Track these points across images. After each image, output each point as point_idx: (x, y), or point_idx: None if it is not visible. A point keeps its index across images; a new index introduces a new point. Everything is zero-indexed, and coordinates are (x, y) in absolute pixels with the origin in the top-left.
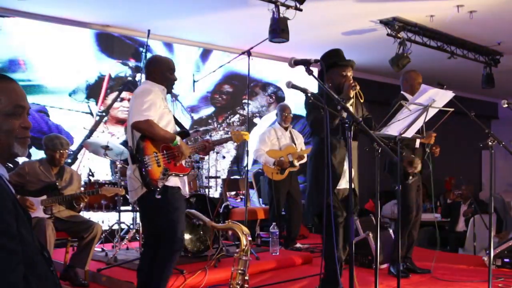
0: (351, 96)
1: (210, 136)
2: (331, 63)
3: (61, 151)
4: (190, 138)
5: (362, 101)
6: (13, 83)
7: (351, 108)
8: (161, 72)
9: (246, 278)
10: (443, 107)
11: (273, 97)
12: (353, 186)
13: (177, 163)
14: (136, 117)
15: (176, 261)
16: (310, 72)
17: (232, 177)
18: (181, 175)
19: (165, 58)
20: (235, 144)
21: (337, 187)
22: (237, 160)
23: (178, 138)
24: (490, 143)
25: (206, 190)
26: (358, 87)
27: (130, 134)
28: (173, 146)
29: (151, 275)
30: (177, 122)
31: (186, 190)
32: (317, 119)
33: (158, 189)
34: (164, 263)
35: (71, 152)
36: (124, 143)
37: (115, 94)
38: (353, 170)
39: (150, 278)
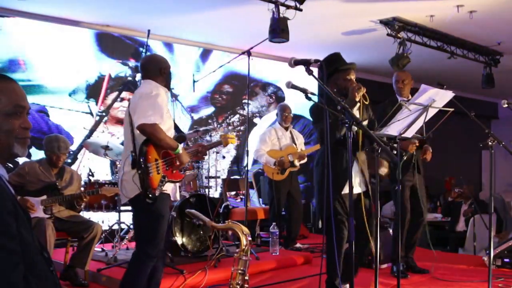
0: (357, 99)
1: (210, 136)
2: (334, 69)
3: (59, 155)
4: (190, 138)
5: (367, 103)
6: (13, 83)
7: (357, 113)
8: (164, 70)
9: (246, 278)
10: (443, 107)
11: (273, 97)
12: (361, 190)
13: (174, 170)
14: (143, 119)
15: (149, 268)
16: (310, 72)
17: (232, 177)
18: (176, 182)
19: (162, 56)
20: (235, 144)
21: (343, 192)
22: (237, 160)
23: (180, 147)
24: (490, 143)
25: (206, 190)
26: (364, 90)
27: (130, 137)
28: (174, 154)
29: (124, 276)
30: (175, 125)
31: (176, 195)
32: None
33: (154, 196)
34: (139, 264)
35: (71, 152)
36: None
37: (115, 94)
38: (363, 174)
39: (123, 279)
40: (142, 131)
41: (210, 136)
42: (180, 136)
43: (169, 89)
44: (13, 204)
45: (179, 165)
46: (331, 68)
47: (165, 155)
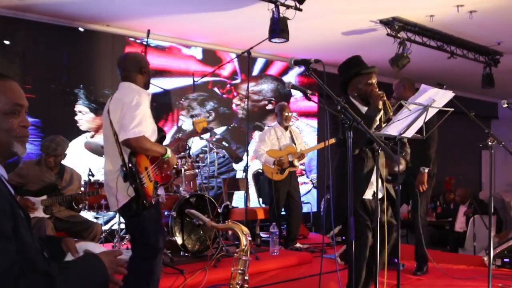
0: (380, 107)
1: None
2: (355, 72)
3: (55, 156)
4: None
5: (391, 114)
6: (11, 82)
7: (376, 122)
8: (144, 70)
9: (246, 278)
10: (443, 107)
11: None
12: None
13: (163, 173)
14: (128, 133)
15: (147, 270)
16: (309, 72)
17: (232, 177)
18: (166, 185)
19: (140, 54)
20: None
21: (364, 197)
22: (236, 160)
23: (169, 151)
24: (490, 143)
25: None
26: (385, 97)
27: (116, 148)
28: (164, 159)
29: (123, 280)
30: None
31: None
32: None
33: (150, 204)
34: (137, 268)
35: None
36: None
37: None
38: (381, 180)
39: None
40: (127, 146)
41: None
42: (162, 137)
43: (148, 87)
44: (10, 204)
45: (168, 168)
46: (352, 72)
47: (153, 160)
